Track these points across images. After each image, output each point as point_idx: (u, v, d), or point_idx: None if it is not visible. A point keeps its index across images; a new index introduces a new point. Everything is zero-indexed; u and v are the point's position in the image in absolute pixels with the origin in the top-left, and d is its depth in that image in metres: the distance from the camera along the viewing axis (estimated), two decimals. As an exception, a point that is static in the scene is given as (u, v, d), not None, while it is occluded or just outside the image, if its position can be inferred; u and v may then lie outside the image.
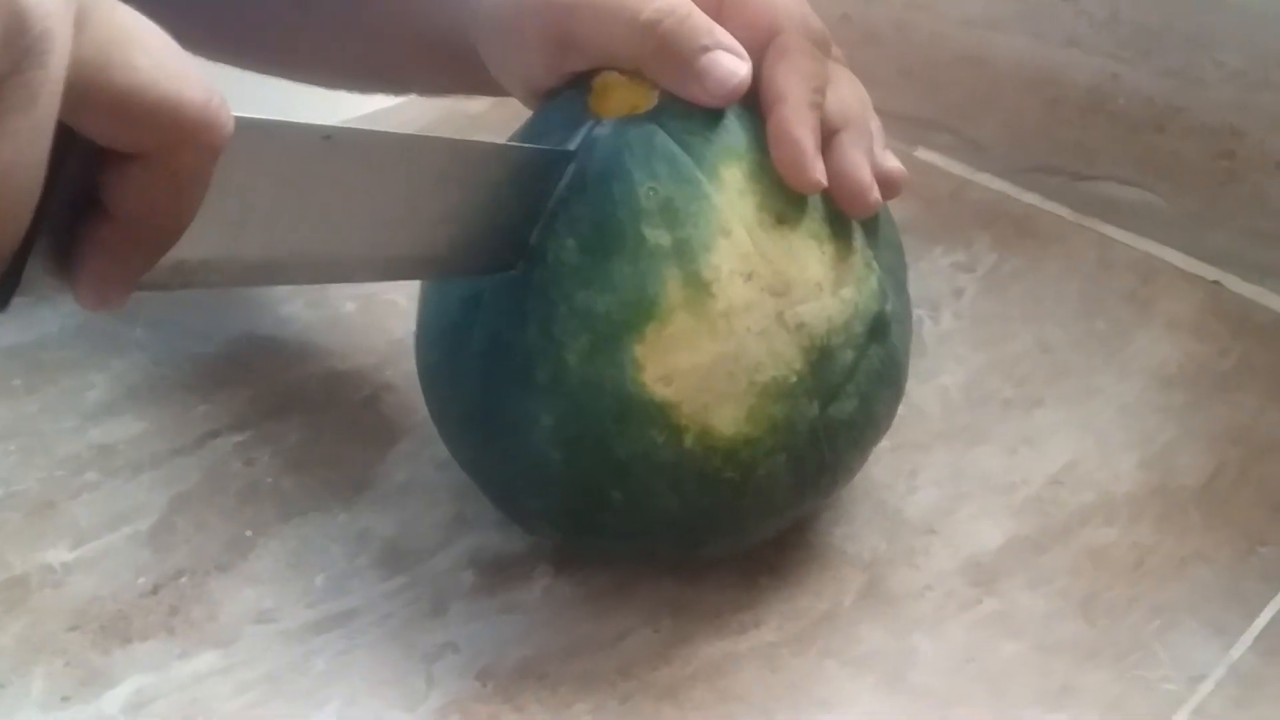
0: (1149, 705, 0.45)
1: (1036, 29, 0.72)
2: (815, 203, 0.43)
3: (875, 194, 0.45)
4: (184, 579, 0.51)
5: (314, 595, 0.50)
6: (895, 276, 0.48)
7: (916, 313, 0.57)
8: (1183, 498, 0.53)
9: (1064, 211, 0.72)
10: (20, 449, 0.56)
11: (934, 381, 0.60)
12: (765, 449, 0.43)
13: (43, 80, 0.24)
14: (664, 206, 0.42)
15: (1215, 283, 0.66)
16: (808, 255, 0.43)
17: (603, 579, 0.50)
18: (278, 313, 0.65)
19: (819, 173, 0.43)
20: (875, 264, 0.45)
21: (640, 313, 0.42)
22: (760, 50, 0.44)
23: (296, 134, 0.35)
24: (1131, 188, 0.70)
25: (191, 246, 0.32)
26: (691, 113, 0.44)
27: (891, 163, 0.46)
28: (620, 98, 0.45)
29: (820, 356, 0.43)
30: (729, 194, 0.42)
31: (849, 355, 0.44)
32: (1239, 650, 0.47)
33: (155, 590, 0.50)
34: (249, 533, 0.52)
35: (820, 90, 0.44)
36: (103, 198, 0.30)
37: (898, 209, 0.49)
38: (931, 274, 0.67)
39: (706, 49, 0.42)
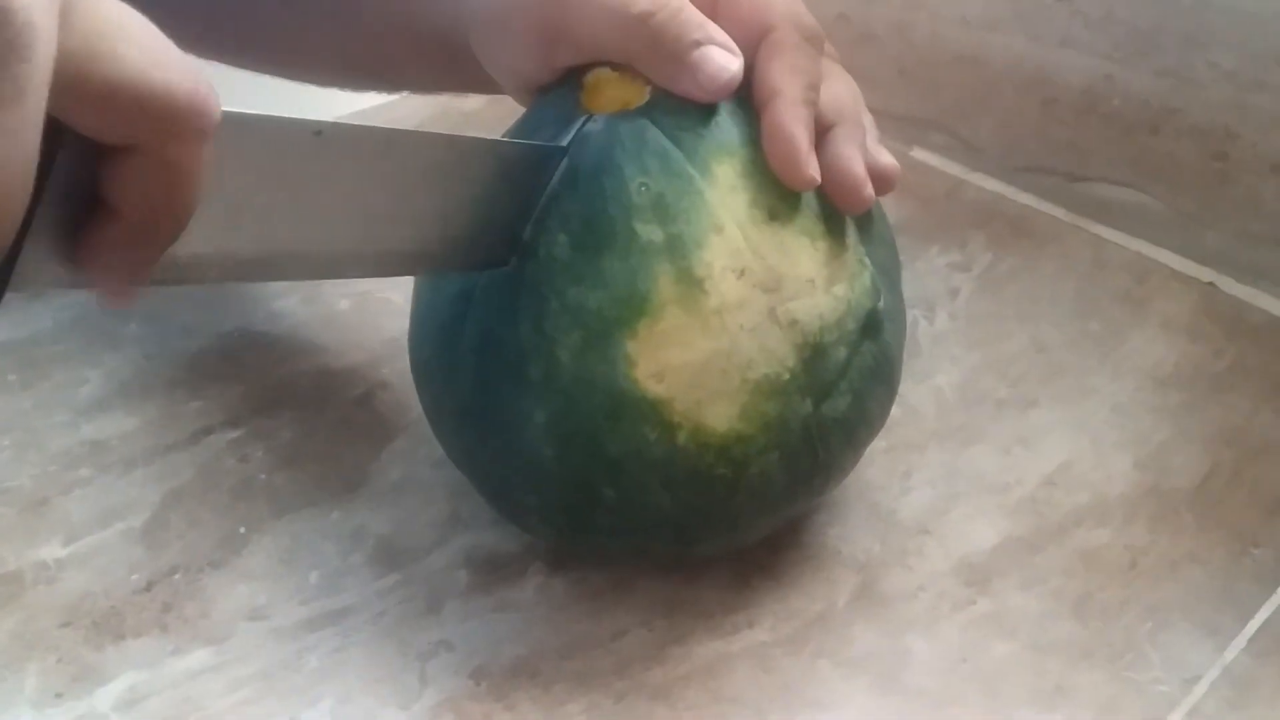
0: (1142, 706, 0.45)
1: (1032, 30, 0.72)
2: (808, 199, 0.43)
3: (869, 189, 0.45)
4: (177, 575, 0.50)
5: (308, 592, 0.50)
6: (888, 274, 0.47)
7: (912, 313, 0.57)
8: (1176, 499, 0.53)
9: (1059, 212, 0.72)
10: (13, 444, 0.56)
11: (929, 381, 0.60)
12: (758, 446, 0.43)
13: (29, 74, 0.24)
14: (656, 202, 0.42)
15: (1209, 284, 0.66)
16: (800, 252, 0.43)
17: (597, 578, 0.50)
18: (272, 309, 0.65)
19: (813, 169, 0.43)
20: (868, 261, 0.45)
21: (632, 309, 0.42)
22: (754, 47, 0.44)
23: (287, 129, 0.35)
24: (1126, 189, 0.70)
25: (183, 242, 0.32)
26: (683, 108, 0.44)
27: (885, 158, 0.46)
28: (612, 94, 0.45)
29: (813, 354, 0.43)
30: (721, 190, 0.42)
31: (842, 352, 0.44)
32: (1232, 652, 0.47)
33: (148, 587, 0.50)
34: (242, 529, 0.52)
35: (814, 86, 0.44)
36: (104, 195, 0.30)
37: (893, 208, 0.49)
38: (927, 274, 0.67)
39: (698, 43, 0.42)
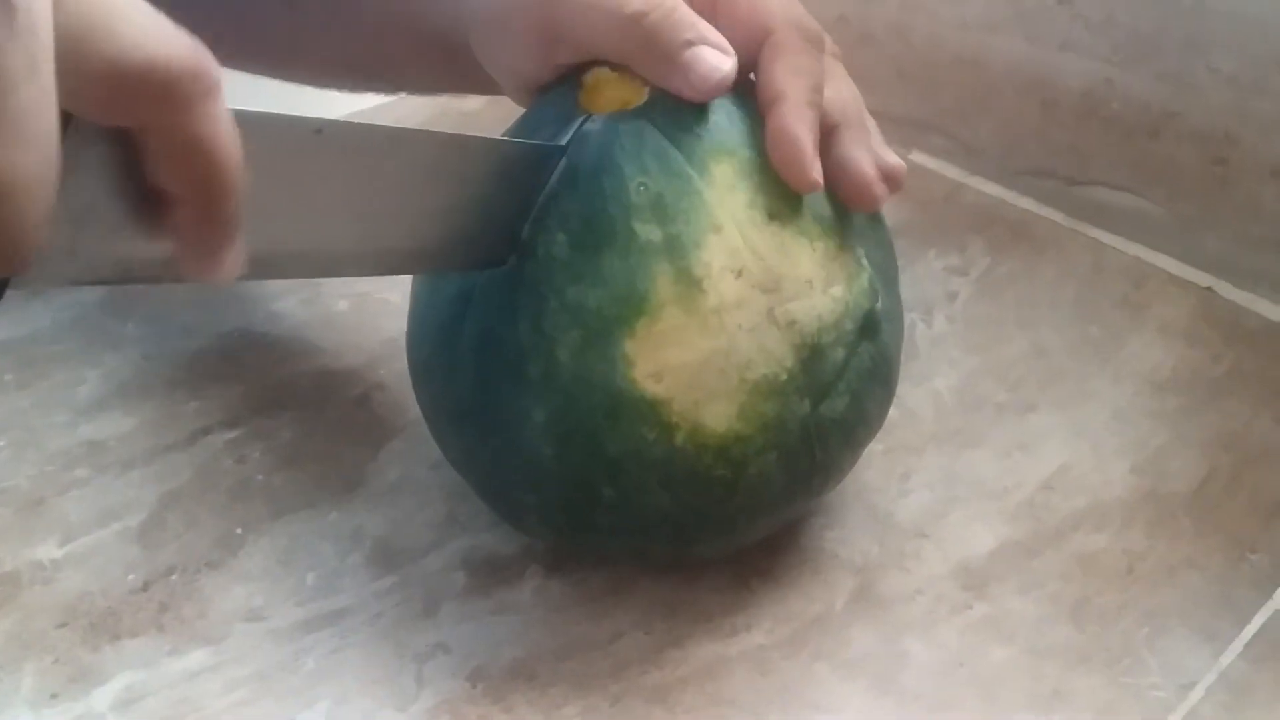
0: (1139, 711, 0.45)
1: (1032, 33, 0.72)
2: (806, 200, 0.43)
3: (881, 188, 0.45)
4: (174, 576, 0.50)
5: (305, 593, 0.50)
6: (886, 275, 0.48)
7: (910, 316, 0.57)
8: (1174, 504, 0.53)
9: (1058, 216, 0.72)
10: (11, 444, 0.56)
11: (927, 385, 0.60)
12: (756, 447, 0.43)
13: (39, 48, 0.25)
14: (655, 202, 0.42)
15: (1208, 289, 0.66)
16: (798, 252, 0.43)
17: (595, 581, 0.50)
18: (270, 310, 0.65)
19: (817, 173, 0.43)
20: (866, 262, 0.45)
21: (631, 308, 0.42)
22: (754, 49, 0.44)
23: (287, 127, 0.35)
24: (1125, 193, 0.70)
25: None
26: (682, 108, 0.44)
27: (892, 158, 0.46)
28: (611, 93, 0.45)
29: (811, 354, 0.43)
30: (719, 190, 0.42)
31: (840, 353, 0.44)
32: (1229, 657, 0.47)
33: (145, 587, 0.50)
34: (239, 530, 0.52)
35: (818, 88, 0.44)
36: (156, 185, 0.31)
37: (891, 211, 0.49)
38: (925, 277, 0.67)
39: (690, 43, 0.42)
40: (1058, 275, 0.68)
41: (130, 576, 0.50)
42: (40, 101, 0.25)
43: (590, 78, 0.46)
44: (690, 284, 0.41)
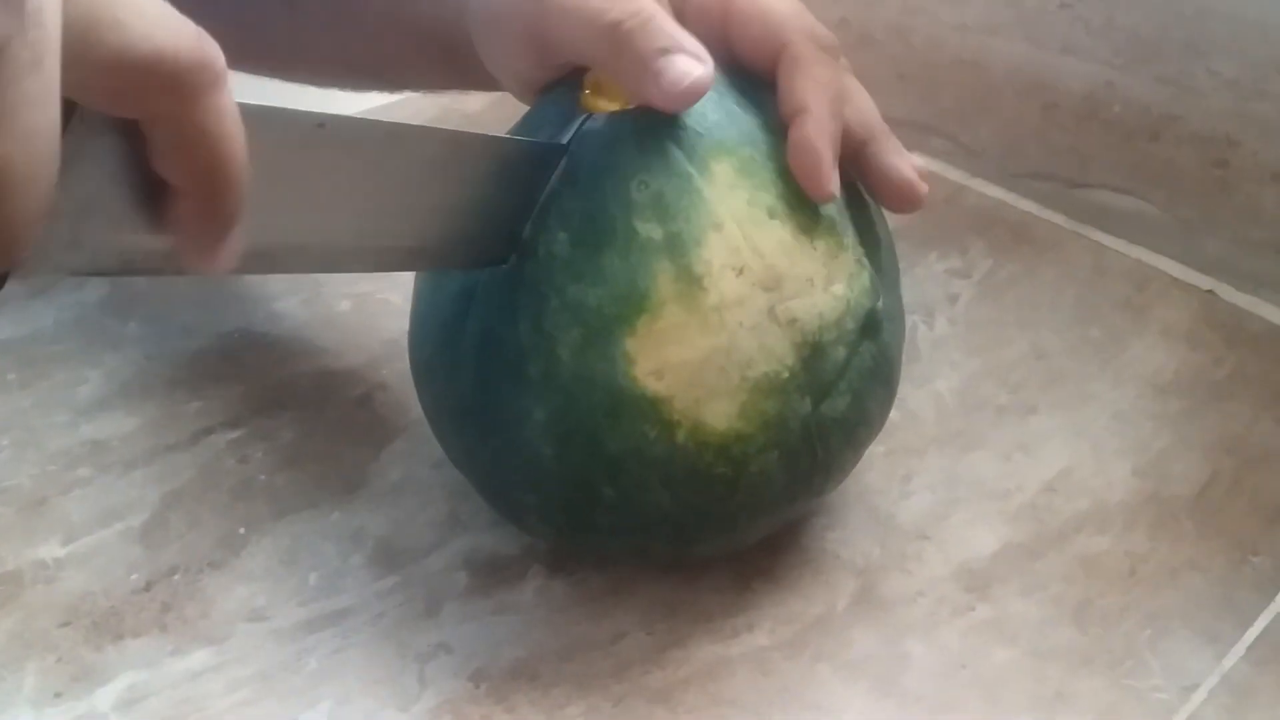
0: (1142, 713, 0.45)
1: (1033, 35, 0.72)
2: (806, 199, 0.43)
3: (923, 187, 0.47)
4: (176, 576, 0.50)
5: (307, 593, 0.50)
6: (887, 275, 0.48)
7: (911, 318, 0.57)
8: (1176, 506, 0.53)
9: (1059, 218, 0.72)
10: (13, 444, 0.56)
11: (928, 386, 0.60)
12: (758, 445, 0.43)
13: (43, 40, 0.25)
14: (655, 200, 0.42)
15: (1209, 291, 0.66)
16: (799, 251, 0.43)
17: (596, 581, 0.50)
18: (271, 309, 0.65)
19: (834, 184, 0.43)
20: (866, 261, 0.45)
21: (631, 306, 0.42)
22: (770, 61, 0.45)
23: (290, 121, 0.35)
24: (1126, 195, 0.70)
25: None
26: None
27: (917, 162, 0.48)
28: (613, 93, 0.45)
29: (812, 352, 0.43)
30: (720, 188, 0.42)
31: (841, 352, 0.44)
32: (1231, 660, 0.47)
33: (148, 587, 0.50)
34: (242, 530, 0.52)
35: (838, 98, 0.44)
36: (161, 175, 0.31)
37: (892, 214, 0.49)
38: (926, 279, 0.67)
39: (664, 51, 0.42)
40: (1059, 278, 0.68)
41: (133, 576, 0.50)
42: (43, 94, 0.25)
43: (591, 77, 0.46)
44: (691, 282, 0.41)
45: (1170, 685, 0.46)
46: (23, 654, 0.47)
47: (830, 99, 0.44)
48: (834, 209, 0.44)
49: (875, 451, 0.53)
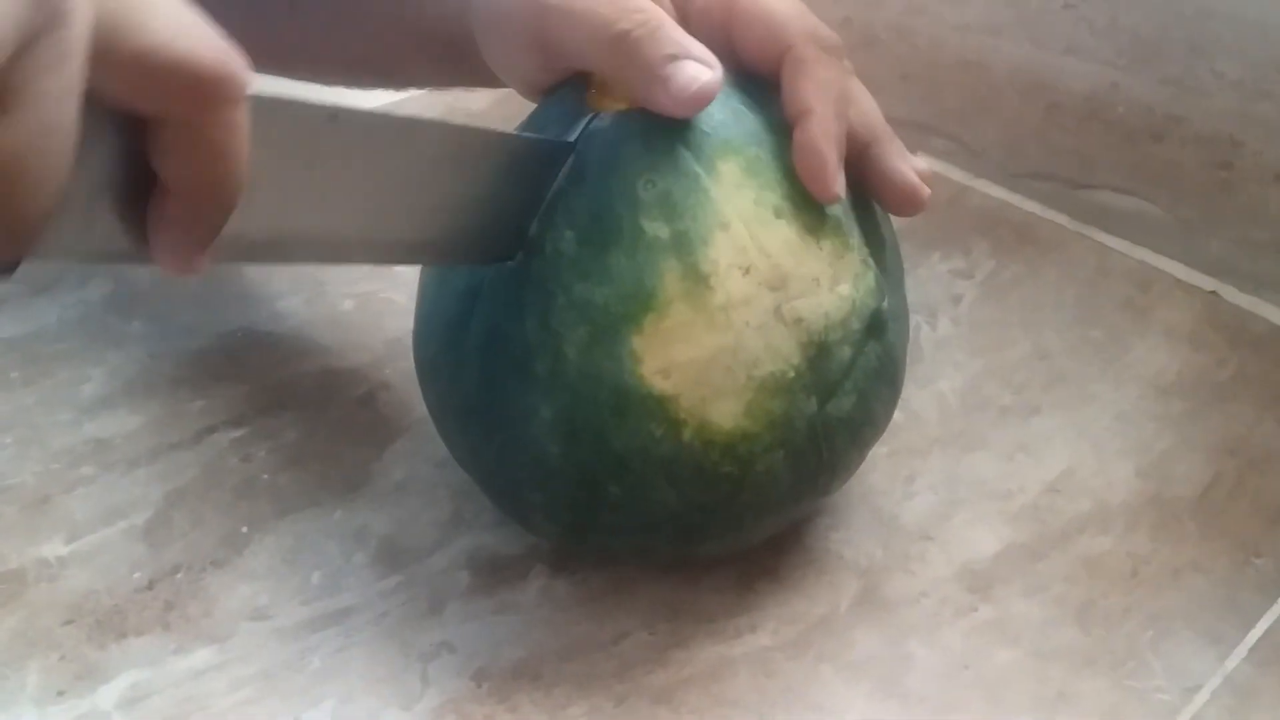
0: (1144, 715, 0.45)
1: (1036, 35, 0.72)
2: (812, 199, 0.44)
3: (925, 190, 0.47)
4: (179, 574, 0.50)
5: (310, 592, 0.50)
6: (892, 275, 0.48)
7: (914, 318, 0.57)
8: (1178, 507, 0.54)
9: (1062, 219, 0.72)
10: (16, 442, 0.56)
11: (931, 387, 0.60)
12: (764, 445, 0.43)
13: (70, 39, 0.25)
14: (662, 199, 0.42)
15: (1212, 293, 0.66)
16: (805, 250, 0.43)
17: (599, 581, 0.50)
18: (275, 308, 0.65)
19: (840, 186, 0.43)
20: (872, 261, 0.45)
21: (638, 304, 0.42)
22: (774, 63, 0.45)
23: (302, 112, 0.35)
24: (1129, 196, 0.70)
25: None
26: None
27: (921, 163, 0.48)
28: (619, 91, 0.45)
29: (818, 352, 0.43)
30: (726, 187, 0.42)
31: (846, 352, 0.44)
32: (1234, 661, 0.47)
33: (151, 585, 0.50)
34: (245, 529, 0.52)
35: (842, 99, 0.44)
36: (156, 173, 0.31)
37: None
38: (929, 280, 0.67)
39: (672, 58, 0.42)
40: (1062, 278, 0.68)
41: (136, 574, 0.50)
42: (65, 91, 0.25)
43: (598, 76, 0.46)
44: (698, 281, 0.41)
45: (1173, 686, 0.46)
46: (26, 652, 0.47)
47: (834, 100, 0.44)
48: (840, 209, 0.44)
49: (878, 452, 0.53)
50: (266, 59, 0.60)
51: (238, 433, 0.57)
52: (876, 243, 0.46)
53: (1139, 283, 0.67)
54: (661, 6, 0.47)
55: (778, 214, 0.43)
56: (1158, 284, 0.67)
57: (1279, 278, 0.65)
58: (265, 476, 0.55)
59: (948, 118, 0.78)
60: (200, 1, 0.31)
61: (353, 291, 0.66)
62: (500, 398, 0.44)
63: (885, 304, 0.45)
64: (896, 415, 0.50)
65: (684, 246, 0.42)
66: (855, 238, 0.45)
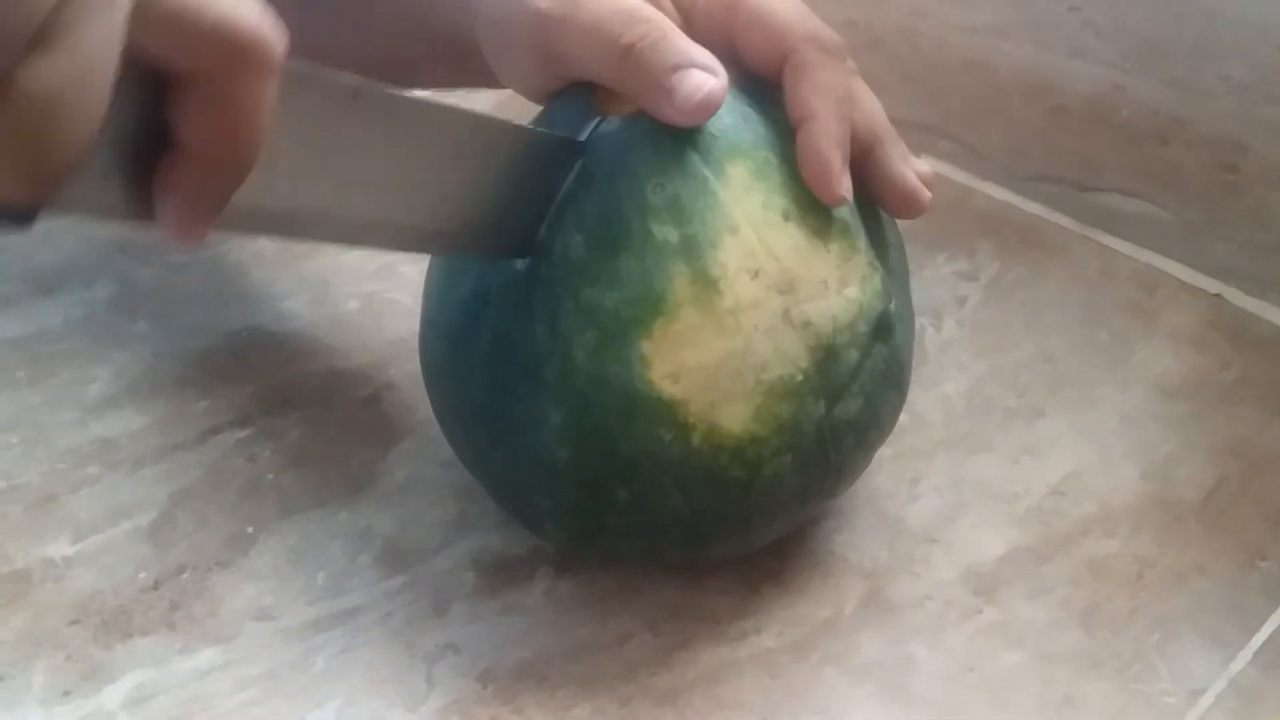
0: (1149, 717, 0.45)
1: (1041, 38, 0.72)
2: (819, 202, 0.44)
3: (926, 195, 0.47)
4: (185, 575, 0.51)
5: (315, 593, 0.50)
6: (898, 277, 0.48)
7: (919, 320, 0.57)
8: (1184, 510, 0.54)
9: (1067, 221, 0.72)
10: (21, 441, 0.56)
11: (936, 389, 0.60)
12: (772, 448, 0.43)
13: None
14: (671, 203, 0.42)
15: (1217, 295, 0.66)
16: (813, 253, 0.43)
17: (604, 582, 0.50)
18: (279, 309, 0.65)
19: (845, 189, 0.43)
20: (879, 264, 0.45)
21: (648, 309, 0.42)
22: (776, 68, 0.45)
23: (325, 86, 0.35)
24: (1135, 199, 0.70)
25: None
26: None
27: (923, 166, 0.48)
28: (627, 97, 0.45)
29: (826, 355, 0.43)
30: (735, 191, 0.42)
31: (854, 355, 0.44)
32: (1239, 664, 0.47)
33: (156, 585, 0.50)
34: (250, 529, 0.52)
35: (845, 100, 0.44)
36: (174, 132, 0.31)
37: (898, 217, 0.49)
38: (934, 282, 0.67)
39: (676, 68, 0.42)
40: (1067, 281, 0.68)
41: (141, 575, 0.50)
42: (110, 34, 0.26)
43: None
44: (706, 285, 0.41)
45: (1178, 689, 0.46)
46: (32, 652, 0.47)
47: (836, 103, 0.44)
48: (847, 212, 0.44)
49: (883, 454, 0.53)
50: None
51: (243, 433, 0.57)
52: (883, 245, 0.46)
53: (1144, 285, 0.67)
54: (662, 8, 0.47)
55: (786, 217, 0.43)
56: (1162, 286, 0.67)
57: (1284, 281, 0.65)
58: (270, 477, 0.55)
59: (952, 120, 0.77)
60: None
61: (357, 292, 0.66)
62: (508, 402, 0.44)
63: (892, 306, 0.45)
64: (901, 418, 0.50)
65: (693, 250, 0.42)
66: (862, 240, 0.45)
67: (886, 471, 0.55)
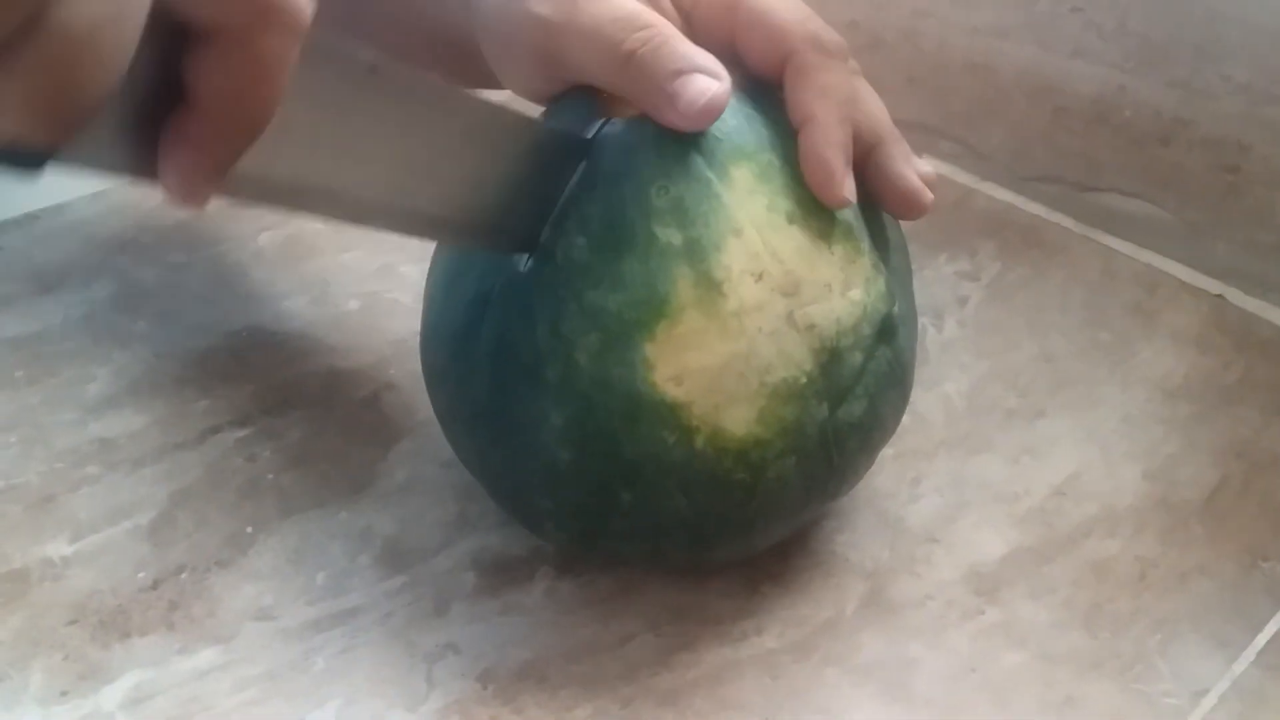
0: (1151, 718, 0.45)
1: (1043, 39, 0.72)
2: (823, 205, 0.43)
3: (928, 195, 0.46)
4: (184, 574, 0.50)
5: (314, 593, 0.50)
6: (902, 279, 0.48)
7: (920, 321, 0.57)
8: (1185, 511, 0.53)
9: (1069, 222, 0.72)
10: (20, 441, 0.56)
11: (937, 389, 0.60)
12: (776, 451, 0.43)
13: None
14: (674, 205, 0.42)
15: (1219, 296, 0.66)
16: (817, 256, 0.43)
17: (605, 582, 0.50)
18: (280, 308, 0.65)
19: (848, 190, 0.43)
20: (882, 266, 0.45)
21: (651, 311, 0.41)
22: (777, 70, 0.45)
23: (344, 58, 0.35)
24: (1136, 199, 0.70)
25: None
26: None
27: (925, 167, 0.47)
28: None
29: (829, 358, 0.43)
30: (739, 193, 0.42)
31: (857, 357, 0.44)
32: (1241, 665, 0.47)
33: (155, 585, 0.50)
34: (249, 529, 0.52)
35: (846, 102, 0.44)
36: (187, 86, 0.30)
37: (900, 218, 0.49)
38: (935, 282, 0.67)
39: (679, 73, 0.42)
40: (1068, 281, 0.68)
41: (140, 574, 0.50)
42: None
43: None
44: (710, 287, 0.41)
45: (1180, 690, 0.46)
46: (30, 652, 0.47)
47: (837, 105, 0.44)
48: (850, 213, 0.44)
49: (885, 454, 0.53)
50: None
51: (243, 433, 0.57)
52: (886, 246, 0.46)
53: (1145, 286, 0.67)
54: (663, 10, 0.46)
55: (790, 219, 0.43)
56: (1164, 287, 0.67)
57: (1286, 281, 0.65)
58: (270, 476, 0.55)
59: (954, 120, 0.77)
60: None
61: (358, 291, 0.66)
62: (510, 404, 0.44)
63: (896, 308, 0.45)
64: (903, 418, 0.50)
65: (697, 253, 0.41)
66: (866, 242, 0.45)
67: (888, 472, 0.55)
